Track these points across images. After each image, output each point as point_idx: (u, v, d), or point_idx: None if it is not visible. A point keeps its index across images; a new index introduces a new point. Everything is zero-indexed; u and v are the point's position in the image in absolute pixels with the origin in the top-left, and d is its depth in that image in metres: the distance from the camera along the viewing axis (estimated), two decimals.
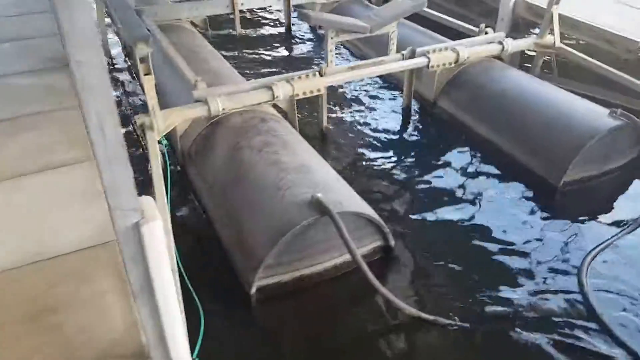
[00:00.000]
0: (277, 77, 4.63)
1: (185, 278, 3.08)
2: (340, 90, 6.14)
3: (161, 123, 4.01)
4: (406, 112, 5.63)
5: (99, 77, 1.32)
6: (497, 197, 4.32)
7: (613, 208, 4.18)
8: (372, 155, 4.94)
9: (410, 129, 5.42)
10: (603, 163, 4.51)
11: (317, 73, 4.68)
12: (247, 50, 7.26)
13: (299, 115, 4.88)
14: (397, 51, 5.24)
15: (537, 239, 3.85)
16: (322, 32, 4.98)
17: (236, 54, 7.14)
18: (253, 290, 3.22)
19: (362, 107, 5.83)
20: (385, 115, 5.65)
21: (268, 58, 7.07)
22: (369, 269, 3.14)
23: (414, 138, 5.26)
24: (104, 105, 1.35)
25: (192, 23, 6.96)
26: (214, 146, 4.19)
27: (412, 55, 5.17)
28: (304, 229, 3.22)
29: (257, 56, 7.11)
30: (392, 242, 3.65)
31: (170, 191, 3.73)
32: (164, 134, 4.12)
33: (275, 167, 3.70)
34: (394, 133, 5.33)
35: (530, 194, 4.34)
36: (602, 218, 4.05)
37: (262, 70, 6.62)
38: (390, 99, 6.00)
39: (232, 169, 3.88)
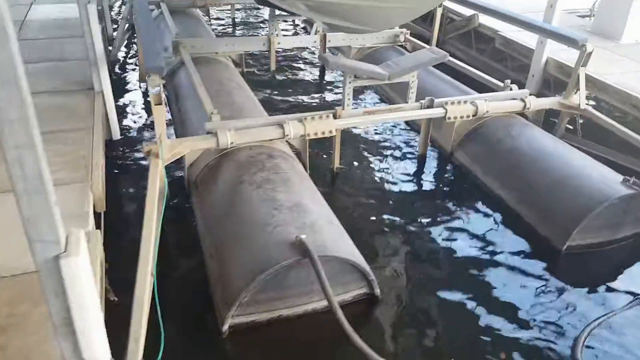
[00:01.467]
0: (291, 116, 4.62)
1: (157, 305, 3.02)
2: (358, 129, 6.07)
3: (167, 152, 4.03)
4: (421, 160, 5.51)
5: (19, 111, 1.28)
6: (499, 255, 4.10)
7: (618, 278, 3.88)
8: (381, 201, 4.81)
9: (424, 177, 5.28)
10: (615, 230, 4.22)
11: (330, 115, 4.64)
12: (279, 88, 7.34)
13: (310, 150, 4.81)
14: (417, 99, 5.20)
15: (532, 304, 3.60)
16: None
17: (268, 90, 7.21)
18: (225, 327, 3.12)
19: (379, 149, 5.74)
20: (401, 161, 5.55)
21: (300, 97, 7.11)
22: (347, 316, 2.98)
23: (427, 188, 5.11)
24: (23, 139, 1.31)
25: (233, 59, 7.11)
26: (217, 178, 4.17)
27: (431, 105, 5.10)
28: (283, 269, 3.11)
29: (288, 94, 7.16)
30: (378, 291, 3.49)
31: (163, 220, 3.70)
32: (169, 162, 4.13)
33: (269, 204, 3.63)
34: (406, 180, 5.20)
35: (533, 255, 4.10)
36: (605, 288, 3.76)
37: (292, 109, 6.65)
38: (408, 144, 5.89)
39: (228, 202, 3.84)
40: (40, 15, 7.26)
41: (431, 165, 5.48)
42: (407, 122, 6.23)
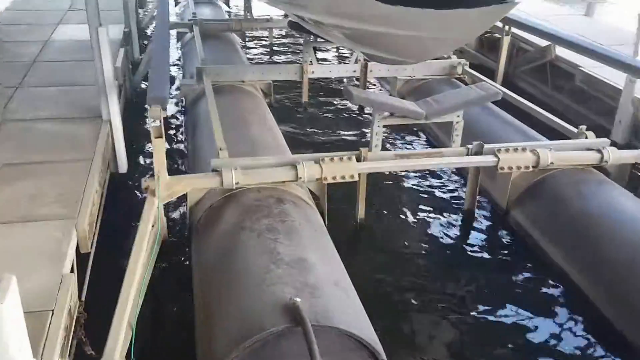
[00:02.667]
0: (306, 156, 4.70)
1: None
2: (392, 173, 6.01)
3: (165, 189, 4.19)
4: (468, 218, 5.37)
5: None
6: (558, 347, 3.85)
7: None
8: (413, 266, 4.71)
9: (470, 240, 5.13)
10: None
11: (353, 157, 4.68)
12: (311, 122, 7.50)
13: (333, 196, 4.86)
14: (466, 142, 5.13)
15: None
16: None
17: (298, 125, 7.38)
18: None
19: (416, 199, 5.69)
20: (442, 216, 5.45)
21: (333, 133, 7.22)
22: None
23: (473, 253, 4.94)
24: None
25: (262, 89, 7.35)
26: (219, 221, 4.26)
27: (479, 150, 4.96)
28: (272, 337, 3.10)
29: (320, 130, 7.30)
30: None
31: (157, 264, 3.82)
32: (167, 201, 4.29)
33: (268, 256, 3.66)
34: (447, 242, 5.08)
35: (603, 351, 3.80)
36: None
37: (323, 146, 6.72)
38: (453, 195, 5.81)
39: (225, 250, 3.90)
40: (64, 36, 7.81)
41: (480, 224, 5.32)
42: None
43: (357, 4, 4.02)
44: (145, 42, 9.93)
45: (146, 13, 11.92)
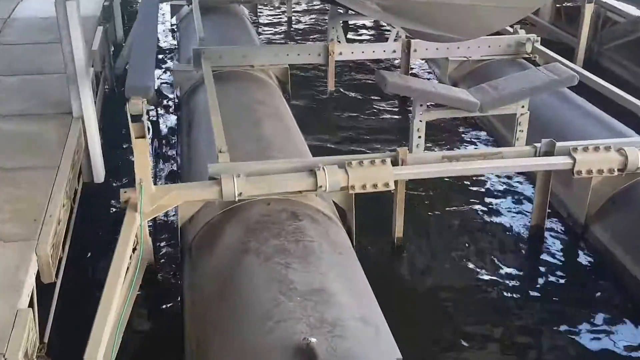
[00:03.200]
0: (329, 159, 4.72)
1: None
2: (438, 179, 5.91)
3: (149, 202, 4.24)
4: (536, 235, 5.35)
5: None
6: None
7: None
8: (466, 296, 4.72)
9: (539, 263, 5.13)
10: None
11: (388, 159, 4.69)
12: (338, 117, 7.55)
13: (361, 209, 4.85)
14: (533, 139, 5.13)
15: None
16: None
17: (322, 120, 7.45)
18: None
19: (469, 212, 5.69)
20: (503, 233, 5.43)
21: (367, 131, 7.27)
22: None
23: (543, 281, 4.94)
24: None
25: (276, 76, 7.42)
26: (218, 242, 4.31)
27: (550, 150, 4.96)
28: None
29: (350, 127, 7.34)
30: None
31: (133, 292, 3.87)
32: (151, 217, 4.34)
33: (278, 286, 3.68)
34: (510, 266, 5.06)
35: None
36: None
37: (354, 146, 6.81)
38: (518, 206, 5.78)
39: (224, 278, 3.94)
40: (27, 13, 7.97)
41: (551, 243, 5.31)
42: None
43: None
44: (132, 18, 10.11)
45: None
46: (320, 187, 4.50)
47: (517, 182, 6.10)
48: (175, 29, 10.34)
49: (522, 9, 4.91)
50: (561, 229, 5.45)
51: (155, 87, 7.28)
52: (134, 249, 4.11)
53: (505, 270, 5.06)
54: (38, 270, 3.72)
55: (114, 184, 5.79)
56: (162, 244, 5.30)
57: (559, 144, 4.93)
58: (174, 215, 5.24)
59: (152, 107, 7.61)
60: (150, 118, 7.50)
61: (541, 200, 5.30)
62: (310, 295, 3.61)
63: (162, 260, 5.04)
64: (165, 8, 11.05)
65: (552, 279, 4.97)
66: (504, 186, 6.08)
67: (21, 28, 7.51)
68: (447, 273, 5.01)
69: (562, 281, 4.94)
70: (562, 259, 5.19)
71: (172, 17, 10.67)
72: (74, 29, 5.01)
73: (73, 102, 5.25)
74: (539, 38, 7.64)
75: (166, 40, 10.80)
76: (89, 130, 5.26)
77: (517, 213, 5.71)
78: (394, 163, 4.71)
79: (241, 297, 3.70)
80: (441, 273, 5.00)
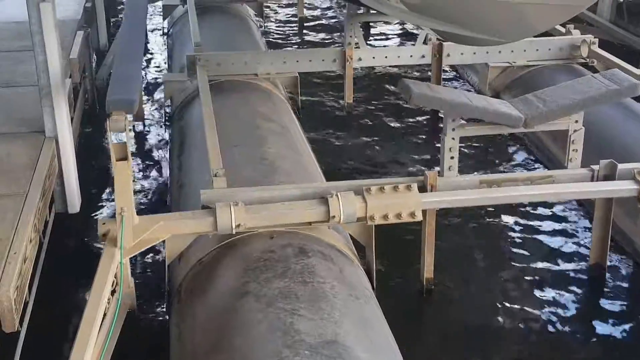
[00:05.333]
0: (344, 184, 4.71)
1: None
2: (476, 208, 5.92)
3: (132, 236, 4.23)
4: (596, 275, 5.31)
5: None
6: None
7: None
8: (512, 353, 4.69)
9: (599, 309, 5.08)
10: None
11: (415, 185, 4.65)
12: (358, 134, 7.56)
13: (381, 243, 4.82)
14: (588, 161, 5.09)
15: None
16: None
17: (339, 138, 7.45)
18: None
19: (512, 247, 5.65)
20: (555, 273, 5.40)
21: (392, 151, 7.26)
22: None
23: (606, 330, 4.89)
24: None
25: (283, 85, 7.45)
26: (212, 284, 4.28)
27: (611, 173, 4.95)
28: None
29: (371, 146, 7.35)
30: None
31: (112, 343, 3.85)
32: (134, 254, 4.33)
33: (282, 337, 3.64)
34: (564, 313, 5.02)
35: None
36: None
37: (376, 170, 6.80)
38: (571, 239, 5.75)
39: (219, 327, 3.90)
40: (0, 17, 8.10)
41: (615, 285, 5.27)
42: None
43: None
44: (119, 22, 10.23)
45: None
46: (334, 217, 4.46)
47: (572, 210, 6.06)
48: (168, 33, 10.42)
49: (574, 6, 4.89)
50: (626, 268, 5.42)
51: (142, 100, 7.37)
52: (113, 291, 4.09)
53: (559, 319, 5.02)
54: None
55: (92, 214, 5.79)
56: (146, 284, 5.26)
57: (620, 166, 4.91)
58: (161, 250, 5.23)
59: (139, 123, 7.66)
60: (135, 136, 7.55)
61: (601, 233, 5.25)
62: (320, 348, 3.57)
63: (145, 306, 5.00)
64: (157, 7, 11.20)
65: (616, 330, 4.93)
66: (556, 215, 6.04)
67: None
68: (487, 323, 4.97)
69: (627, 332, 4.91)
70: (628, 303, 5.15)
71: (164, 20, 10.76)
72: (49, 35, 5.07)
73: (46, 119, 5.29)
74: (597, 40, 7.63)
75: (156, 44, 10.93)
76: (63, 152, 5.30)
77: (572, 248, 5.68)
78: (422, 189, 4.69)
79: (238, 350, 3.66)
80: (479, 323, 4.97)
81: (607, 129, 6.04)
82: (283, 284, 4.04)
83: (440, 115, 7.17)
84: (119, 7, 11.09)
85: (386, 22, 10.57)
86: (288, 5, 11.86)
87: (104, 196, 6.22)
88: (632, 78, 5.11)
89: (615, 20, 9.31)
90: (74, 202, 5.39)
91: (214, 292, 4.21)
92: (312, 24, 11.33)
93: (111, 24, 9.93)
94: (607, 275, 5.30)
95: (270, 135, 6.07)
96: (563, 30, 7.70)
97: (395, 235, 5.03)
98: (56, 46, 5.14)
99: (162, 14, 10.69)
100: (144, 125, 7.85)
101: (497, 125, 4.89)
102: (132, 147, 6.81)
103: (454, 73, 9.23)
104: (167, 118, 7.66)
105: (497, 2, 4.61)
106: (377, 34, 10.73)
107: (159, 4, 10.60)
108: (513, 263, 5.52)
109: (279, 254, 4.32)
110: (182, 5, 9.63)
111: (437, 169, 5.02)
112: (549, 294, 5.24)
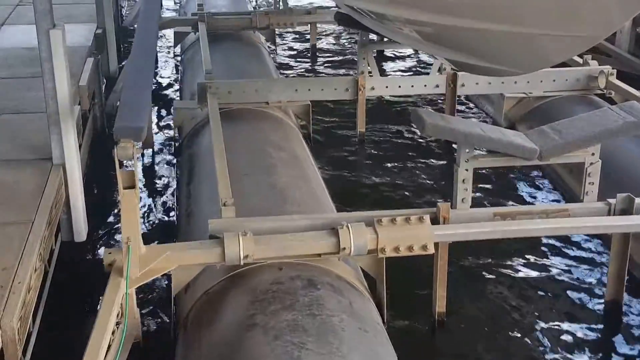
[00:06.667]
0: (354, 215, 4.71)
1: None
2: (490, 241, 5.89)
3: (138, 266, 4.24)
4: (613, 311, 5.27)
5: None
6: None
7: None
8: None
9: (615, 347, 5.02)
10: None
11: (427, 217, 4.66)
12: (369, 164, 7.56)
13: (392, 277, 4.81)
14: (606, 194, 5.08)
15: None
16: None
17: (350, 167, 7.46)
18: None
19: (527, 282, 5.62)
20: (571, 309, 5.36)
21: (407, 182, 7.24)
22: None
23: None
24: None
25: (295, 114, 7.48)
26: (218, 316, 4.28)
27: (628, 207, 4.93)
28: None
29: (386, 176, 7.34)
30: None
31: None
32: (140, 284, 4.33)
33: None
34: (580, 351, 4.97)
35: None
36: None
37: (390, 201, 6.77)
38: (587, 275, 5.71)
39: (226, 359, 3.90)
40: (8, 42, 8.18)
41: (632, 322, 5.23)
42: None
43: None
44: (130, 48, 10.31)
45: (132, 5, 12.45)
46: (344, 249, 4.46)
47: (588, 244, 6.02)
48: (179, 60, 10.51)
49: (592, 37, 4.88)
50: None
51: (151, 127, 7.41)
52: (118, 323, 4.10)
53: (574, 352, 4.98)
54: (1, 348, 3.72)
55: (99, 244, 5.81)
56: (152, 316, 5.27)
57: (638, 199, 4.90)
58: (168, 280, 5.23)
59: (148, 149, 7.68)
60: (144, 163, 7.58)
61: (618, 268, 5.21)
62: None
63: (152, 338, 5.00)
64: (168, 35, 11.29)
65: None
66: (572, 250, 6.00)
67: (0, 59, 7.69)
68: (494, 352, 4.95)
69: None
70: None
71: (175, 46, 10.85)
72: (58, 62, 5.12)
73: (54, 146, 5.33)
74: (615, 70, 7.63)
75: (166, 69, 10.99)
76: (70, 180, 5.33)
77: (588, 284, 5.63)
78: (434, 221, 4.69)
79: None
80: (487, 354, 4.94)
81: (624, 162, 6.03)
82: (291, 317, 4.04)
83: (454, 145, 7.21)
84: (129, 34, 11.16)
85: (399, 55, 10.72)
86: (301, 33, 11.92)
87: (113, 224, 6.22)
88: None
89: (633, 51, 9.31)
90: (81, 231, 5.41)
91: (220, 324, 4.22)
92: (324, 51, 11.37)
93: (122, 50, 9.99)
94: (624, 309, 5.27)
95: (280, 164, 6.09)
96: (580, 60, 7.71)
97: (408, 265, 5.00)
98: (65, 73, 5.19)
99: (173, 40, 10.76)
100: (153, 152, 7.87)
101: (512, 157, 4.88)
102: (140, 175, 6.87)
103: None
104: (176, 145, 7.68)
105: (513, 32, 4.62)
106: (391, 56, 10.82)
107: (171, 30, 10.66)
108: (529, 298, 5.50)
109: (287, 286, 4.32)
110: (193, 32, 9.71)
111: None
112: (564, 327, 5.22)
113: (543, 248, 6.02)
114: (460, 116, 7.73)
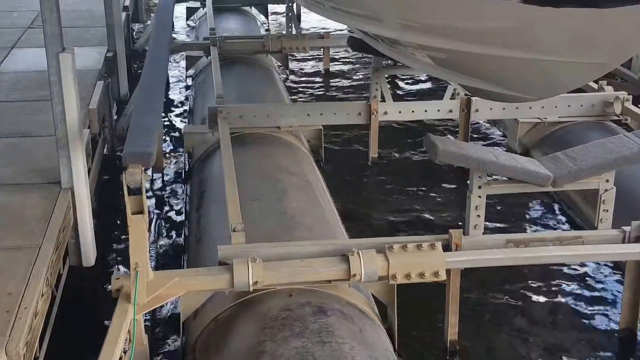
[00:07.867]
0: (365, 241, 4.72)
1: None
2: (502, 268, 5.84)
3: (146, 292, 4.25)
4: (626, 341, 5.25)
5: None
6: None
7: None
8: None
9: None
10: None
11: (439, 243, 4.66)
12: (384, 190, 7.57)
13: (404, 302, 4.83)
14: (621, 221, 5.05)
15: None
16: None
17: (361, 194, 7.48)
18: None
19: (541, 309, 5.60)
20: (585, 337, 5.34)
21: (421, 208, 7.24)
22: None
23: None
24: None
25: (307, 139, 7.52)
26: (227, 343, 4.30)
27: None
28: None
29: (398, 202, 7.34)
30: None
31: None
32: (148, 310, 4.35)
33: None
34: None
35: None
36: None
37: (401, 228, 6.77)
38: (602, 303, 5.68)
39: None
40: (18, 65, 8.26)
41: None
42: None
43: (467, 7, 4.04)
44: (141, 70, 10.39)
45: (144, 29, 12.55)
46: (354, 276, 4.46)
47: (602, 271, 6.01)
48: (191, 84, 10.57)
49: (607, 63, 4.89)
50: None
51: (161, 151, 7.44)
52: (125, 350, 4.11)
53: None
54: None
55: (108, 269, 5.82)
56: (161, 342, 5.28)
57: None
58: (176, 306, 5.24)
59: (158, 174, 7.73)
60: (152, 189, 7.61)
61: (632, 297, 5.21)
62: None
63: None
64: (179, 59, 11.37)
65: None
66: (586, 277, 5.98)
67: (9, 82, 7.77)
68: None
69: None
70: None
71: (187, 70, 10.93)
72: (68, 85, 5.14)
73: (62, 170, 5.35)
74: (630, 96, 7.62)
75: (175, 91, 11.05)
76: (79, 204, 5.35)
77: (602, 312, 5.61)
78: (446, 248, 4.70)
79: None
80: None
81: (639, 189, 6.00)
82: (300, 344, 4.05)
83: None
84: (140, 57, 11.25)
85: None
86: (314, 57, 11.98)
87: (122, 249, 6.23)
88: None
89: None
90: (89, 255, 5.42)
91: (229, 351, 4.23)
92: (337, 76, 11.42)
93: (133, 73, 10.05)
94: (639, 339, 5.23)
95: (291, 189, 6.12)
96: (596, 86, 7.71)
97: (419, 292, 5.00)
98: (74, 96, 5.22)
99: (185, 65, 10.85)
100: (163, 177, 7.91)
101: (525, 184, 4.89)
102: (149, 200, 6.90)
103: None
104: (186, 170, 7.72)
105: (527, 58, 4.63)
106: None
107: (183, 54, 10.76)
108: (542, 326, 5.50)
109: (297, 313, 4.33)
110: (205, 56, 9.78)
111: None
112: (577, 356, 5.20)
113: (556, 275, 6.00)
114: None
